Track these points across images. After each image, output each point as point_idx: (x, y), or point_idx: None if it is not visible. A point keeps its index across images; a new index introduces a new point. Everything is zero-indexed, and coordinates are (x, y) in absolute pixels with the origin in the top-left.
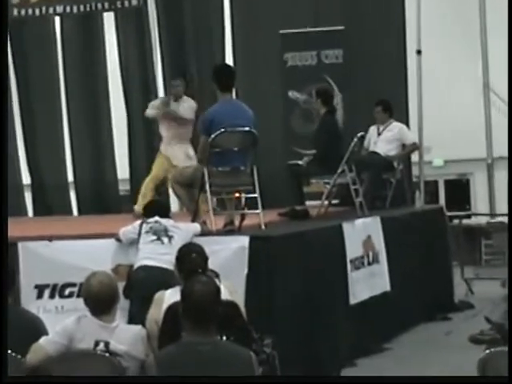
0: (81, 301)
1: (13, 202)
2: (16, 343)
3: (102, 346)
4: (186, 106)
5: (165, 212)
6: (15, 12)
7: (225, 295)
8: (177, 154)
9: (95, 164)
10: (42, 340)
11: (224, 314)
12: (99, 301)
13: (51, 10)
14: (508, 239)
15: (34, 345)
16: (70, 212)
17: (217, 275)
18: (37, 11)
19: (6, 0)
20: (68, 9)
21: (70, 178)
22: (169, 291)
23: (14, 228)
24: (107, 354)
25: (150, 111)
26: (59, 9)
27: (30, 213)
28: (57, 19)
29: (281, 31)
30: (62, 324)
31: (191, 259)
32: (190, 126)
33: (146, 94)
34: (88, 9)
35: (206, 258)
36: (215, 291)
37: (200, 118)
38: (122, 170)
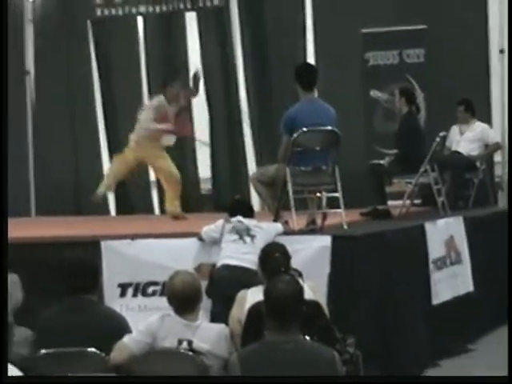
0: (163, 299)
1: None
2: (100, 341)
3: (185, 344)
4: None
5: (248, 211)
6: (98, 12)
7: (308, 294)
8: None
9: (177, 163)
10: (126, 338)
11: (307, 313)
12: (183, 299)
13: (134, 10)
14: (508, 239)
15: (118, 343)
16: (151, 211)
17: (300, 274)
18: (120, 11)
19: (6, 0)
20: (151, 9)
21: (152, 177)
22: (251, 290)
23: (96, 226)
24: (190, 353)
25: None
26: (142, 9)
27: (113, 211)
28: (139, 19)
29: (362, 30)
30: (146, 322)
31: (274, 258)
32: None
33: (228, 94)
34: (170, 8)
35: (288, 258)
36: (298, 290)
37: (283, 116)
38: (204, 169)
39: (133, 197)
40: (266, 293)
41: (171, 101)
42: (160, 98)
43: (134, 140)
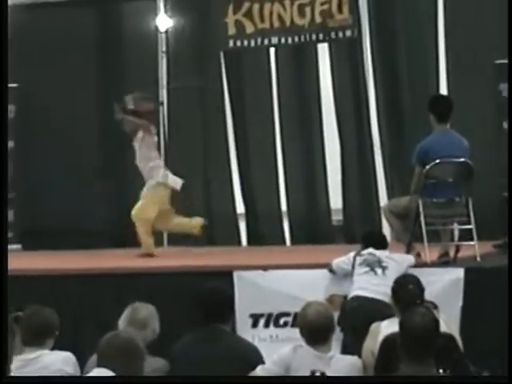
0: (295, 330)
1: (227, 231)
2: (233, 371)
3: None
4: None
5: (381, 242)
6: (231, 43)
7: (442, 327)
8: None
9: (308, 194)
10: (259, 369)
11: (442, 346)
12: (316, 330)
13: (266, 42)
14: (508, 240)
15: (251, 373)
16: (282, 242)
17: (435, 307)
18: (252, 42)
19: (6, 0)
20: (283, 40)
21: (284, 207)
22: (385, 322)
23: (228, 257)
24: None
25: None
26: (274, 40)
27: (244, 242)
28: (271, 50)
29: (496, 61)
30: (279, 353)
31: (408, 290)
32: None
33: (359, 124)
34: (302, 40)
35: (422, 290)
36: (434, 323)
37: (416, 147)
38: (335, 199)
39: (264, 227)
40: (402, 325)
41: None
42: None
43: None
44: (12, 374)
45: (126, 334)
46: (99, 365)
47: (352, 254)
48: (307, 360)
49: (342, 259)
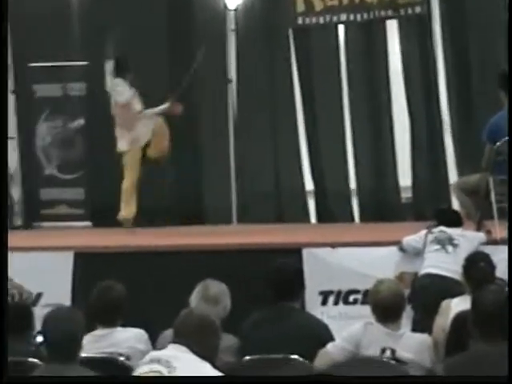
0: (364, 308)
1: (296, 209)
2: (303, 348)
3: (388, 353)
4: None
5: (455, 220)
6: (300, 21)
7: None
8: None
9: (377, 171)
10: (330, 346)
11: None
12: (387, 308)
13: (335, 19)
14: (508, 242)
15: (322, 350)
16: (351, 219)
17: (506, 284)
18: (321, 19)
19: (6, 0)
20: (352, 17)
21: (353, 185)
22: (456, 300)
23: (298, 234)
24: (394, 362)
25: None
26: (343, 17)
27: (313, 219)
28: (340, 27)
29: None
30: (349, 330)
31: (479, 268)
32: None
33: (429, 101)
34: (371, 16)
35: (493, 267)
36: (506, 300)
37: (486, 125)
38: (404, 177)
39: (333, 205)
40: (474, 302)
41: None
42: None
43: None
44: (83, 349)
45: (201, 310)
46: (175, 341)
47: (423, 232)
48: (377, 337)
49: (413, 237)
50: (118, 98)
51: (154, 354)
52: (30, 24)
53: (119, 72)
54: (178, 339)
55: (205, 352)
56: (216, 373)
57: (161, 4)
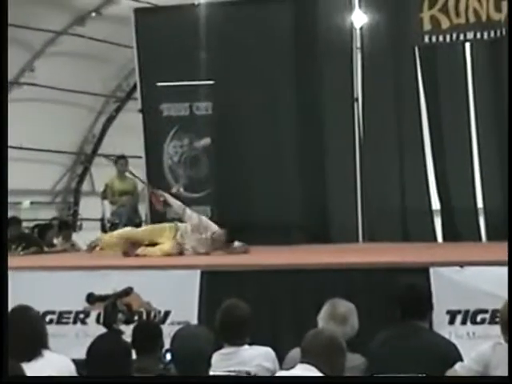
0: (492, 328)
1: (422, 227)
2: (430, 368)
3: None
4: None
5: None
6: (426, 38)
7: None
8: None
9: (504, 189)
10: (458, 366)
11: None
12: None
13: (462, 37)
14: (508, 240)
15: (449, 370)
16: (479, 238)
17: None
18: (447, 38)
19: (6, 0)
20: (479, 35)
21: (480, 203)
22: None
23: (424, 253)
24: None
25: None
26: (470, 35)
27: (440, 238)
28: (467, 45)
29: None
30: (477, 350)
31: None
32: None
33: None
34: (498, 35)
35: None
36: None
37: None
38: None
39: (460, 224)
40: None
41: None
42: None
43: None
44: (212, 368)
45: (330, 331)
46: (303, 361)
47: None
48: (507, 358)
49: None
50: None
51: (284, 373)
52: (158, 44)
53: None
54: (306, 359)
55: (332, 372)
56: None
57: (287, 25)
